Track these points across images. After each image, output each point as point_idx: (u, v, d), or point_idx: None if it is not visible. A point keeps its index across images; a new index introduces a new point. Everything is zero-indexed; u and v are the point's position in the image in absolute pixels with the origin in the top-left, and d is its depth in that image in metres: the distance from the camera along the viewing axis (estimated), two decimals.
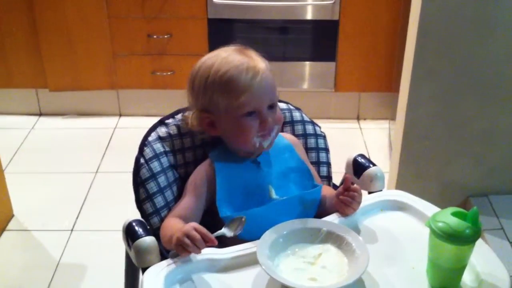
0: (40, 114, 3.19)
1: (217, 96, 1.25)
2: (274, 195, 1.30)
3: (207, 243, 1.11)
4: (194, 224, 1.13)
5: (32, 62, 2.99)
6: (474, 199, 2.20)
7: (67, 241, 2.25)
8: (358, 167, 1.41)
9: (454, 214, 1.06)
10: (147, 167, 1.31)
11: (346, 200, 1.25)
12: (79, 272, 2.10)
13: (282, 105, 1.47)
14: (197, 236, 1.10)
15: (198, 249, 1.12)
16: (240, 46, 1.30)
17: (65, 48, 2.95)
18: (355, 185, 1.26)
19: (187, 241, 1.10)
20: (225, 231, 1.17)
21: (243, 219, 1.17)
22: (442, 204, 1.28)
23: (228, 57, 1.26)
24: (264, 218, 1.22)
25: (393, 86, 2.85)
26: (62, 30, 2.91)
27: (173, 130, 1.36)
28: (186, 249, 1.11)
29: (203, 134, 1.35)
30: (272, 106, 1.27)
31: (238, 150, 1.32)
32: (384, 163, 2.54)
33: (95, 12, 2.87)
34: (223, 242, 1.20)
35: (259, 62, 1.26)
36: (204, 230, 1.12)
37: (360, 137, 3.03)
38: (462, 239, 1.04)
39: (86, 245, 2.24)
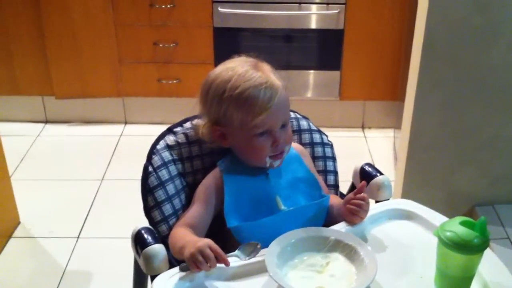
0: (46, 122, 3.20)
1: (232, 112, 1.25)
2: (282, 206, 1.30)
3: (220, 262, 1.11)
4: (209, 242, 1.12)
5: (39, 69, 3.00)
6: (480, 208, 2.20)
7: (74, 248, 2.26)
8: (365, 176, 1.42)
9: (462, 223, 1.07)
10: (155, 175, 1.31)
11: (353, 209, 1.25)
12: (85, 279, 2.10)
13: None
14: (211, 255, 1.10)
15: (209, 268, 1.11)
16: (254, 58, 1.29)
17: (71, 56, 2.97)
18: (362, 193, 1.27)
19: (200, 258, 1.10)
20: (238, 254, 1.17)
21: (258, 246, 1.16)
22: (447, 213, 1.29)
23: (246, 73, 1.24)
24: (272, 228, 1.23)
25: (398, 95, 2.85)
26: (68, 37, 2.92)
27: (181, 138, 1.37)
28: (197, 265, 1.11)
29: (212, 143, 1.35)
30: (284, 125, 1.28)
31: (247, 161, 1.32)
32: (389, 172, 2.55)
33: (101, 19, 2.89)
34: (231, 249, 1.19)
35: (276, 81, 1.25)
36: (218, 249, 1.12)
37: (365, 145, 3.03)
38: (471, 249, 1.04)
39: (92, 252, 2.25)
